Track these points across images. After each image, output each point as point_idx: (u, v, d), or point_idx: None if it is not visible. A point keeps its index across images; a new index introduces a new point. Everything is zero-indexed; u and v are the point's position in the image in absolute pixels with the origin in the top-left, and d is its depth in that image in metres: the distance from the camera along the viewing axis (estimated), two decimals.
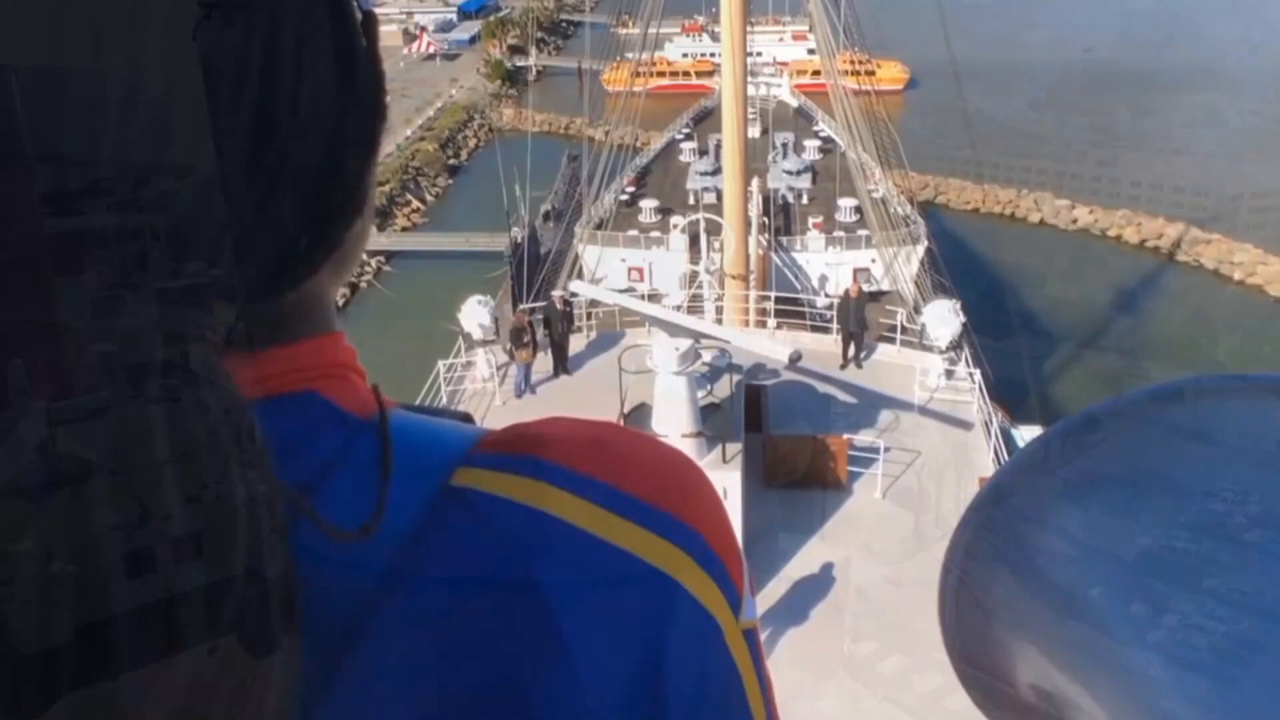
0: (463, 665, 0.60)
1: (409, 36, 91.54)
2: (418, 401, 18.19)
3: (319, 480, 0.63)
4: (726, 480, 13.01)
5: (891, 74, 61.25)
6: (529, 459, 0.66)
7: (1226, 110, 59.49)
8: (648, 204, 37.65)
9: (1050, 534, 0.74)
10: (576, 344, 19.03)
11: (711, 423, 13.43)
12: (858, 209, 34.79)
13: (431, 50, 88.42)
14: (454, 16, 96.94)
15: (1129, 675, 0.69)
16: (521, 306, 21.12)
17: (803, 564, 13.98)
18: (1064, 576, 0.73)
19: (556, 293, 19.66)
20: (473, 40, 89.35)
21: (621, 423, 13.49)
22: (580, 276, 28.51)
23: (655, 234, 34.15)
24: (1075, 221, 48.74)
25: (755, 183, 30.19)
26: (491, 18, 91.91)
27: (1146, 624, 0.68)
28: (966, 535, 0.77)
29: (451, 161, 66.25)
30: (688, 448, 13.09)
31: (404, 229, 56.74)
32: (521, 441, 0.67)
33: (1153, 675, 0.67)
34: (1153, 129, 56.43)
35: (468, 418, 0.82)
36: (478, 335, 18.41)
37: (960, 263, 34.21)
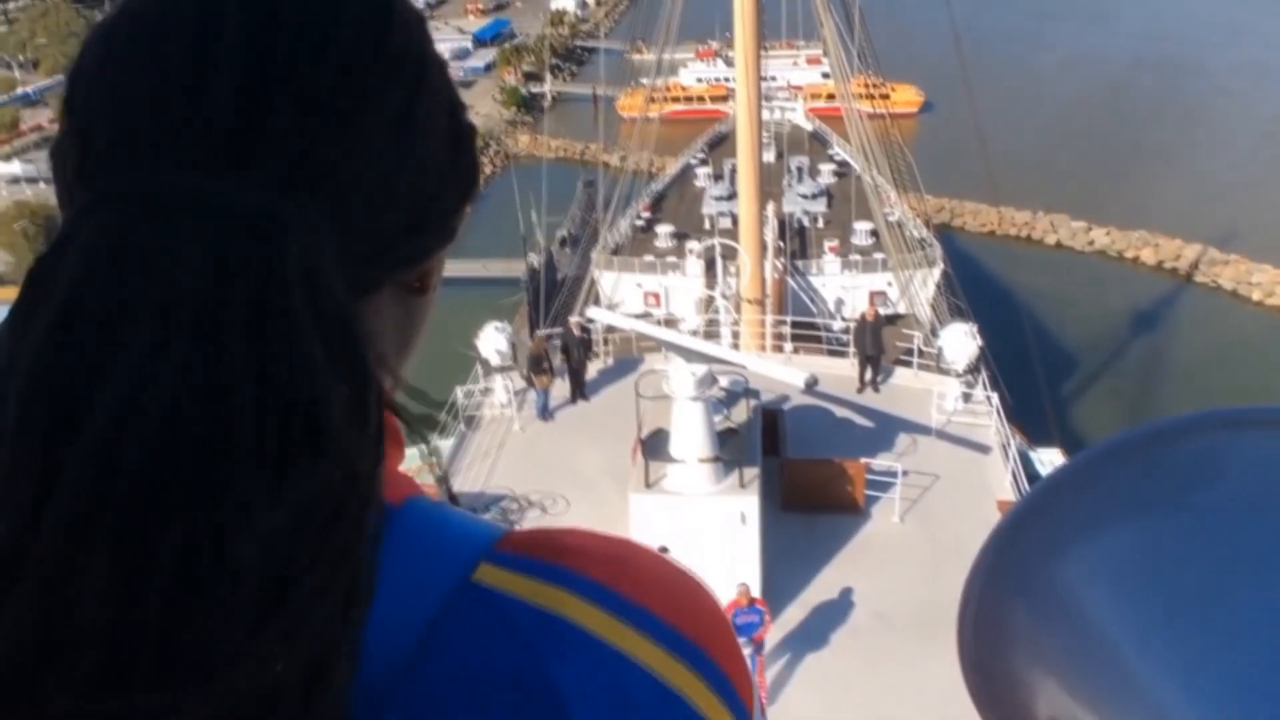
0: None
1: None
2: (436, 428, 18.24)
3: None
4: (744, 505, 13.03)
5: (906, 97, 61.39)
6: (553, 566, 0.66)
7: (1240, 131, 59.39)
8: (663, 229, 37.77)
9: (1071, 565, 0.74)
10: (593, 370, 19.09)
11: (728, 447, 13.46)
12: (873, 232, 34.80)
13: None
14: (469, 44, 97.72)
15: (1151, 712, 0.67)
16: (539, 333, 21.22)
17: (821, 588, 13.98)
18: (1085, 609, 0.73)
19: (573, 319, 19.76)
20: (488, 67, 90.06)
21: (639, 450, 13.59)
22: (597, 302, 28.57)
23: (671, 259, 34.24)
24: (1092, 243, 48.64)
25: (771, 207, 30.28)
26: (507, 45, 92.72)
27: (1168, 659, 0.67)
28: (986, 565, 0.77)
29: None
30: (704, 473, 13.13)
31: None
32: (546, 547, 0.68)
33: (1175, 713, 0.66)
34: (1168, 150, 56.39)
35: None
36: (495, 361, 18.51)
37: (977, 285, 34.18)
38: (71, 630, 0.51)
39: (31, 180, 62.02)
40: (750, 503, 13.05)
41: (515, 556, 0.67)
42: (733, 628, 0.74)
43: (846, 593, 13.77)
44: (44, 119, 76.43)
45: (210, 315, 0.55)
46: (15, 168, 67.35)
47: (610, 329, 19.85)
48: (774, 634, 13.09)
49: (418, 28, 0.74)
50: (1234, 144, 57.60)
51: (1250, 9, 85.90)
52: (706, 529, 13.00)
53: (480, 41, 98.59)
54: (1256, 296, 43.14)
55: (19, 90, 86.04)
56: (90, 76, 0.66)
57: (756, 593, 12.56)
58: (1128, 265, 46.90)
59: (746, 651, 11.70)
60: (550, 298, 28.60)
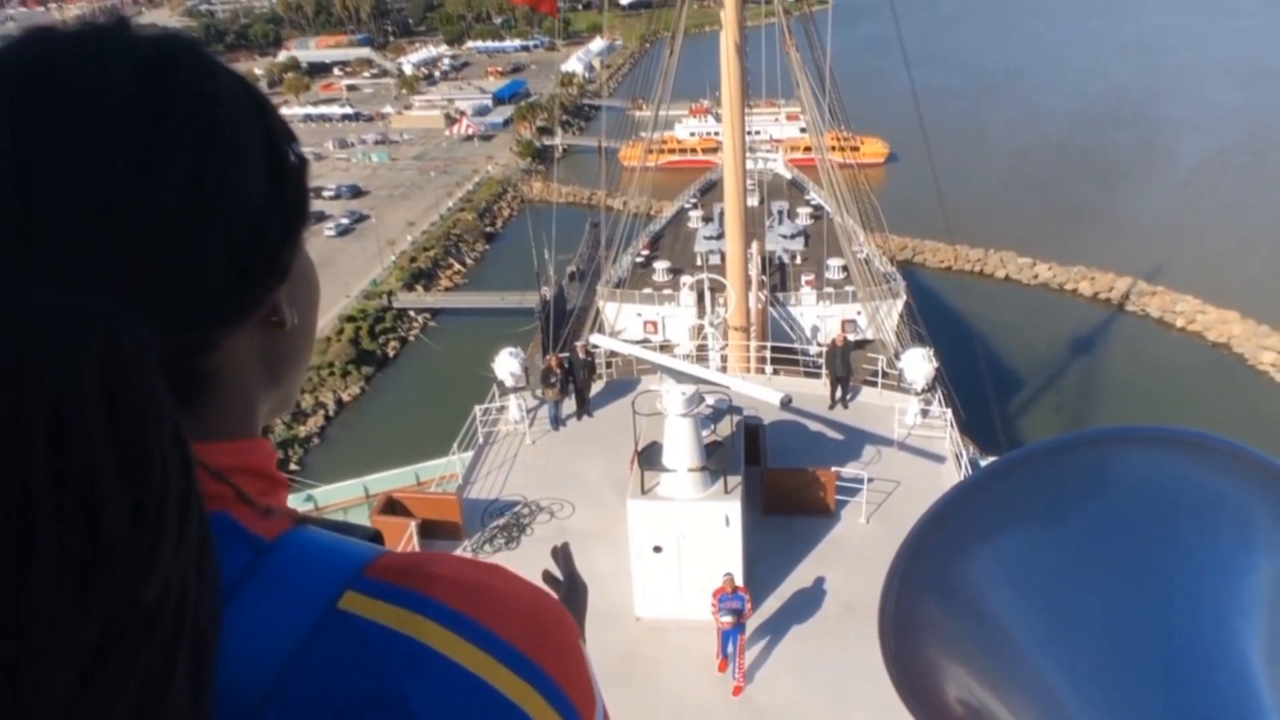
0: None
1: (450, 120, 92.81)
2: (458, 439, 18.30)
3: (226, 601, 0.60)
4: (728, 509, 13.02)
5: (873, 149, 61.60)
6: (415, 595, 0.65)
7: (1164, 181, 59.57)
8: (660, 265, 37.89)
9: (971, 566, 0.75)
10: (597, 389, 19.10)
11: (715, 458, 13.44)
12: (844, 268, 34.88)
13: (470, 132, 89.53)
14: (489, 102, 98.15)
15: (1040, 691, 0.69)
16: (552, 354, 21.25)
17: (796, 582, 13.96)
18: (983, 604, 0.75)
19: (579, 344, 19.77)
20: (506, 123, 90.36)
21: (636, 460, 13.58)
22: (601, 330, 28.61)
23: (667, 291, 34.32)
24: (1036, 277, 48.74)
25: (754, 246, 30.35)
26: (522, 103, 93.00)
27: (1053, 646, 0.70)
28: (900, 567, 0.78)
29: (488, 229, 66.82)
30: (693, 481, 13.14)
31: (446, 288, 57.16)
32: (412, 576, 0.67)
33: (1060, 692, 0.68)
34: (1102, 195, 56.53)
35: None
36: (510, 383, 18.50)
37: (935, 314, 34.19)
38: None
39: None
40: (734, 507, 13.03)
41: (380, 584, 0.65)
42: (583, 658, 0.75)
43: (819, 585, 13.76)
44: None
45: (9, 431, 0.47)
46: None
47: (612, 353, 19.88)
48: (753, 621, 13.05)
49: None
50: (1159, 191, 57.74)
51: (1172, 76, 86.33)
52: (695, 530, 13.00)
53: (499, 100, 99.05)
54: (1179, 323, 43.18)
55: None
56: None
57: (740, 582, 12.60)
58: (1067, 296, 46.95)
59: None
60: (560, 326, 28.60)
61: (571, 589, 1.25)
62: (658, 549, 13.11)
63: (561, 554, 1.35)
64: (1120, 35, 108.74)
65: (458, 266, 60.42)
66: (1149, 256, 46.51)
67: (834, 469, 15.31)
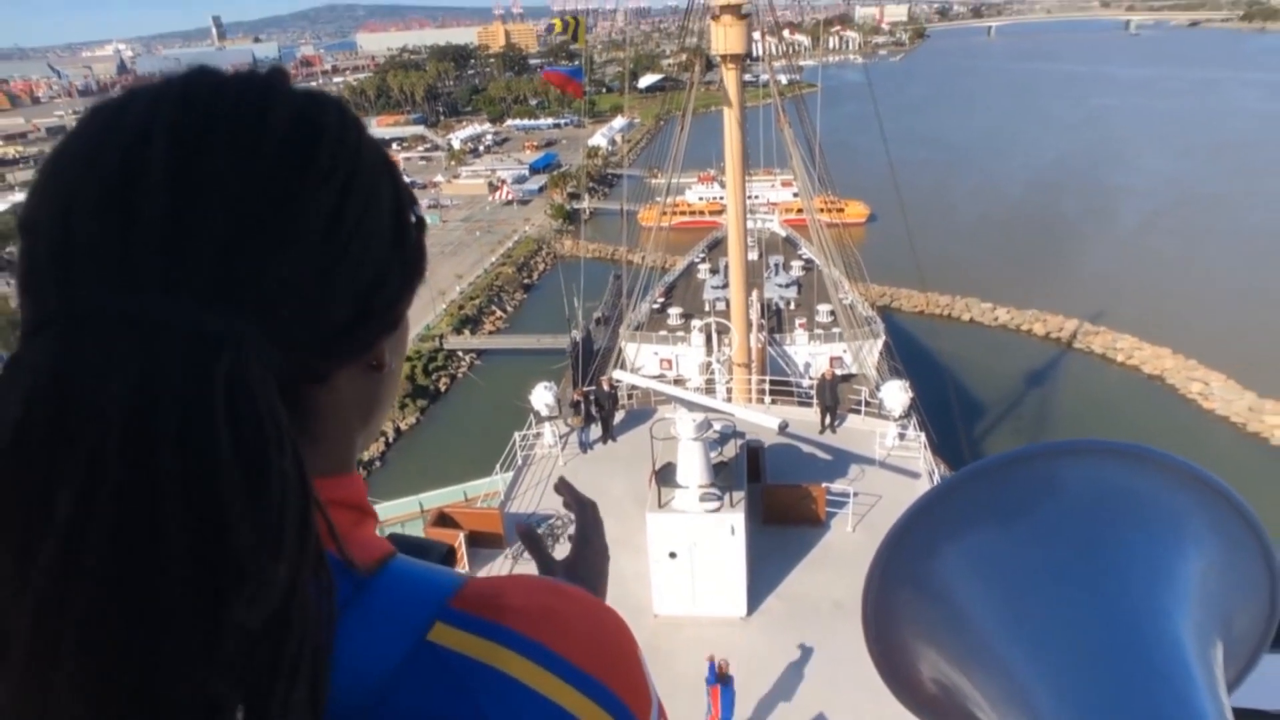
0: None
1: (492, 187, 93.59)
2: (501, 461, 18.34)
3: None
4: (733, 520, 13.02)
5: (856, 210, 61.67)
6: (494, 625, 0.63)
7: (1106, 238, 59.43)
8: (674, 311, 37.95)
9: (943, 562, 0.76)
10: (619, 418, 19.15)
11: (721, 476, 13.46)
12: (832, 312, 34.89)
13: (510, 197, 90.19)
14: (526, 171, 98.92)
15: (1002, 668, 0.71)
16: (579, 388, 21.34)
17: (792, 582, 13.91)
18: (953, 595, 0.76)
19: (604, 378, 19.86)
20: (541, 189, 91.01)
21: (654, 479, 13.58)
22: (623, 366, 28.69)
23: (680, 334, 34.34)
24: (997, 319, 48.54)
25: (755, 294, 30.46)
26: (555, 172, 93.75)
27: (1014, 632, 0.72)
28: (880, 562, 0.78)
29: (525, 281, 67.08)
30: (703, 496, 13.15)
31: (490, 332, 57.36)
32: (491, 608, 0.65)
33: (1018, 668, 0.70)
34: (1052, 249, 56.42)
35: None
36: (544, 413, 18.57)
37: (910, 351, 34.17)
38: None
39: None
40: (738, 519, 13.03)
41: (464, 615, 0.63)
42: (639, 661, 0.72)
43: (811, 585, 13.70)
44: None
45: (138, 443, 0.46)
46: None
47: (633, 387, 19.96)
48: (757, 617, 13.09)
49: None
50: (1102, 246, 57.59)
51: (1114, 148, 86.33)
52: (705, 539, 13.01)
53: (535, 170, 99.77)
54: (1120, 358, 42.93)
55: None
56: (38, 194, 0.57)
57: (742, 597, 12.80)
58: (1024, 336, 46.72)
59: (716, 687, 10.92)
60: (588, 364, 28.71)
61: (586, 543, 1.14)
62: (673, 555, 13.10)
63: (563, 487, 1.24)
64: (1070, 114, 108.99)
65: (500, 313, 60.67)
66: (1093, 302, 46.32)
67: (824, 485, 15.27)
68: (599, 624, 0.70)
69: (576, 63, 53.59)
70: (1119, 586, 0.69)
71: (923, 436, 17.83)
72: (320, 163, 0.60)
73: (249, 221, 0.55)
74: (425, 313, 57.82)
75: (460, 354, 53.63)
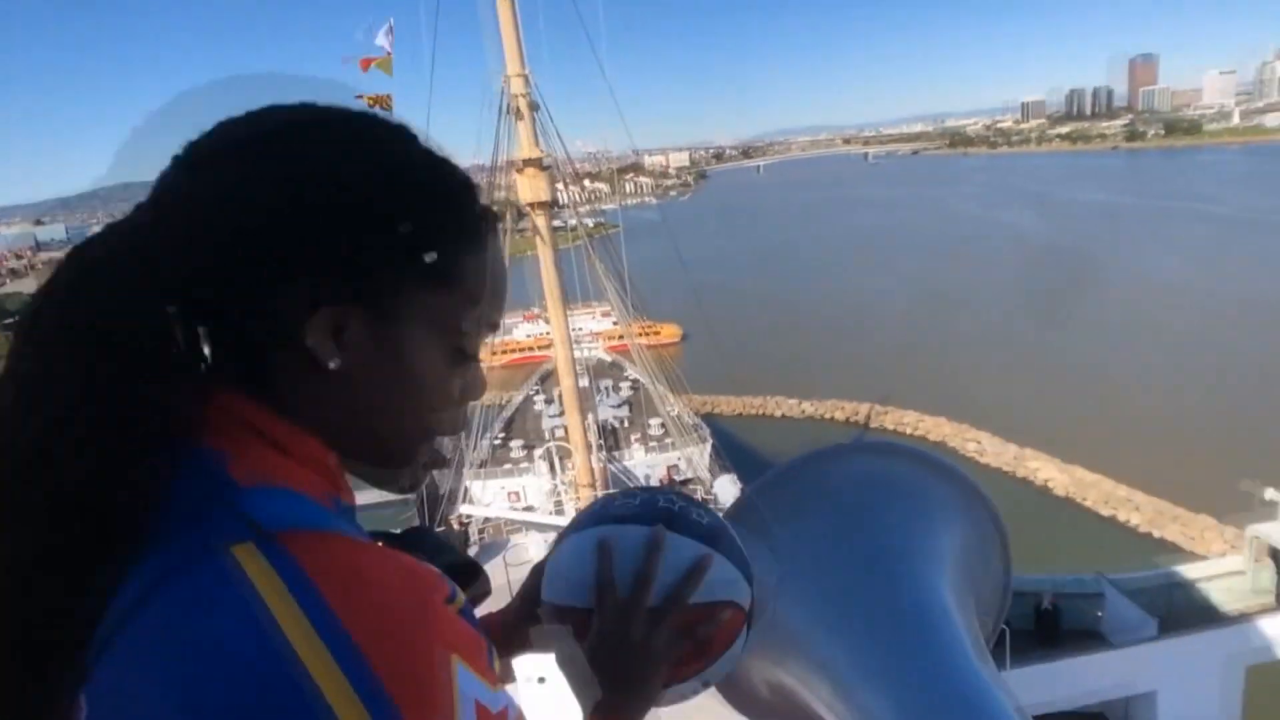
0: None
1: None
2: None
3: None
4: None
5: (670, 331, 63.79)
6: (291, 563, 0.53)
7: (878, 329, 64.57)
8: (515, 443, 37.29)
9: (752, 556, 0.83)
10: (473, 552, 18.24)
11: None
12: (662, 425, 35.41)
13: None
14: None
15: (803, 627, 0.78)
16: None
17: None
18: (765, 576, 0.83)
19: (453, 517, 18.99)
20: None
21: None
22: (471, 504, 27.65)
23: (524, 465, 33.70)
24: (804, 411, 51.06)
25: (590, 417, 30.44)
26: None
27: (811, 591, 0.79)
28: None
29: None
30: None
31: None
32: (311, 550, 0.55)
33: (815, 626, 0.78)
34: (838, 347, 60.53)
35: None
36: None
37: (735, 450, 34.97)
38: None
39: None
40: None
41: (280, 550, 0.54)
42: (440, 666, 0.54)
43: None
44: None
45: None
46: None
47: (485, 519, 19.17)
48: None
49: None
50: (877, 337, 62.44)
51: (874, 254, 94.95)
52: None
53: None
54: (908, 430, 45.91)
55: None
56: None
57: None
58: (828, 423, 49.22)
59: None
60: (434, 506, 27.49)
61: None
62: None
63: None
64: (832, 231, 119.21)
65: None
66: (879, 385, 49.73)
67: None
68: (404, 612, 0.55)
69: None
70: (892, 552, 0.80)
71: None
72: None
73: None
74: None
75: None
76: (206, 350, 0.62)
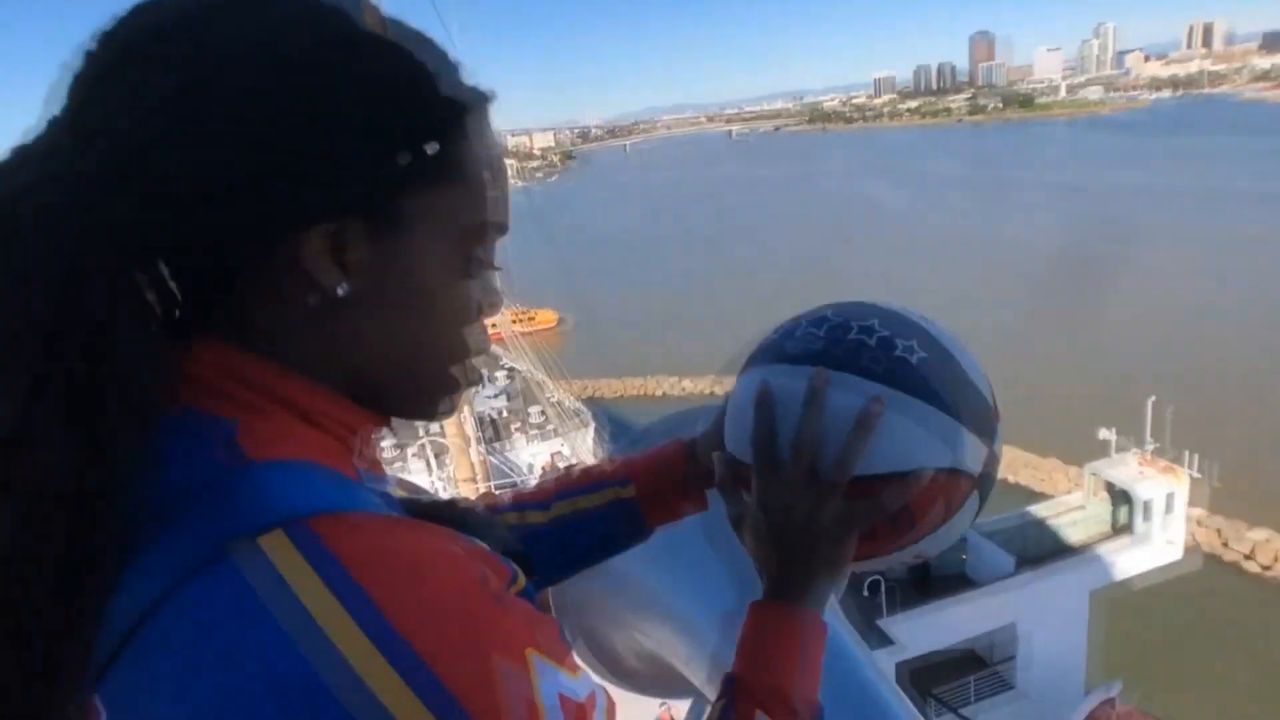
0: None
1: None
2: None
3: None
4: None
5: (546, 317, 63.38)
6: (329, 555, 0.46)
7: (752, 302, 66.50)
8: (385, 443, 35.99)
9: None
10: None
11: None
12: (543, 412, 35.19)
13: None
14: None
15: (660, 587, 0.96)
16: None
17: None
18: (628, 562, 0.94)
19: None
20: None
21: None
22: None
23: (397, 464, 32.65)
24: (684, 389, 51.95)
25: (467, 409, 29.81)
26: None
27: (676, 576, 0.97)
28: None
29: None
30: None
31: None
32: (350, 537, 0.48)
33: (636, 573, 0.97)
34: (711, 318, 61.92)
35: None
36: None
37: (618, 433, 35.19)
38: None
39: None
40: None
41: (307, 536, 0.47)
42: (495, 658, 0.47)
43: None
44: None
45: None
46: None
47: None
48: None
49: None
50: (748, 309, 64.12)
51: (741, 228, 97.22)
52: None
53: None
54: None
55: None
56: None
57: None
58: (707, 397, 50.27)
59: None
60: None
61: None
62: None
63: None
64: (698, 208, 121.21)
65: None
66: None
67: None
68: (451, 603, 0.48)
69: None
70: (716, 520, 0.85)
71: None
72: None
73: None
74: None
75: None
76: (179, 297, 0.54)
